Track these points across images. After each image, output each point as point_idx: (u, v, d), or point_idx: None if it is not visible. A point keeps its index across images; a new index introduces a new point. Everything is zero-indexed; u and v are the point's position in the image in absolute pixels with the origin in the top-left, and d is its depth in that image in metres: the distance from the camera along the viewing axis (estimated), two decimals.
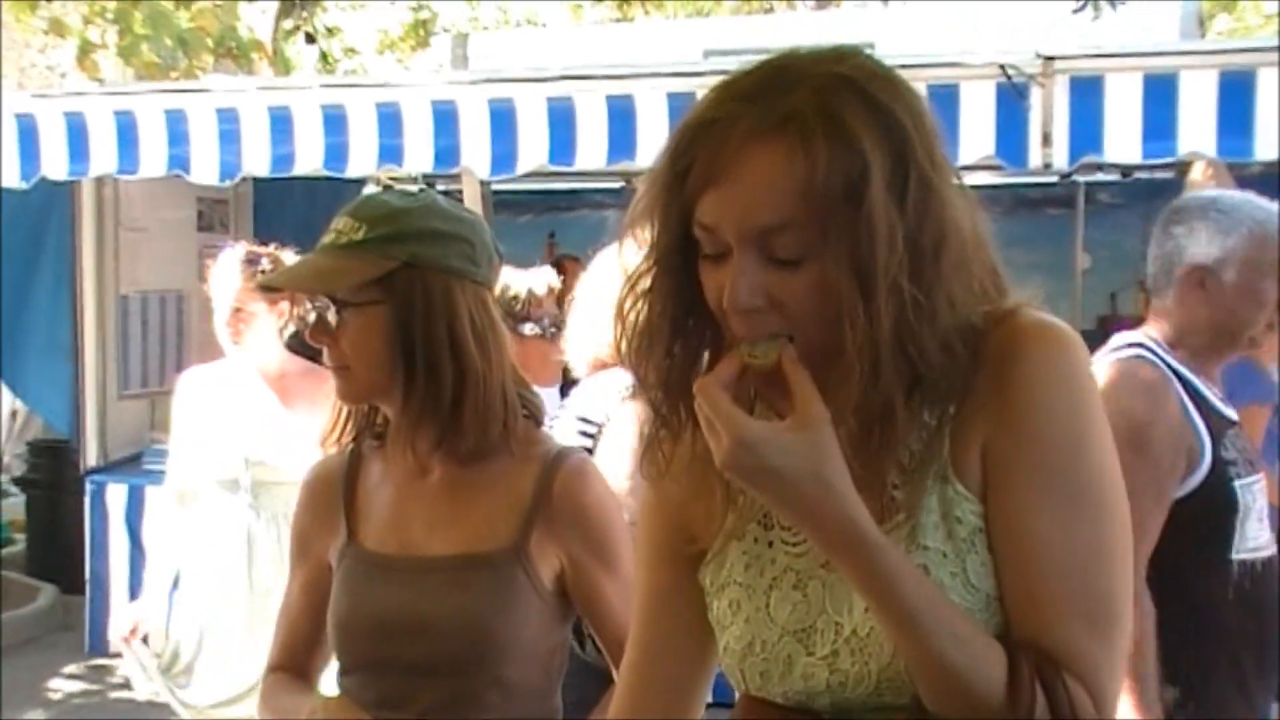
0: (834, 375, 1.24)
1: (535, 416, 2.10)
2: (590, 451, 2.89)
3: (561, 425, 3.03)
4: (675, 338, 1.35)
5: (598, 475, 2.08)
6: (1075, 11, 4.47)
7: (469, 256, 2.00)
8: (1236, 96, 4.63)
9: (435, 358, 1.96)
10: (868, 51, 1.34)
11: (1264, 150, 4.65)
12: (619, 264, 2.87)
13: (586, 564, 2.01)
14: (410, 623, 1.97)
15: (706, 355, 1.35)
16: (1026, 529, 1.24)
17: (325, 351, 2.02)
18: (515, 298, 4.13)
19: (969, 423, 1.28)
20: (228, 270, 3.79)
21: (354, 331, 1.98)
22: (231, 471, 3.77)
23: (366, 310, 1.97)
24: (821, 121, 1.21)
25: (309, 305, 2.03)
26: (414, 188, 6.57)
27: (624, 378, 2.91)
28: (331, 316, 1.99)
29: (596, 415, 2.99)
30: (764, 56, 1.31)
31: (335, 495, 2.11)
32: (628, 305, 1.36)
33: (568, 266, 8.19)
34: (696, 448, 1.34)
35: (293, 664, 2.15)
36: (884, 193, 1.21)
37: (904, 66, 1.40)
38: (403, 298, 1.96)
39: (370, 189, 7.54)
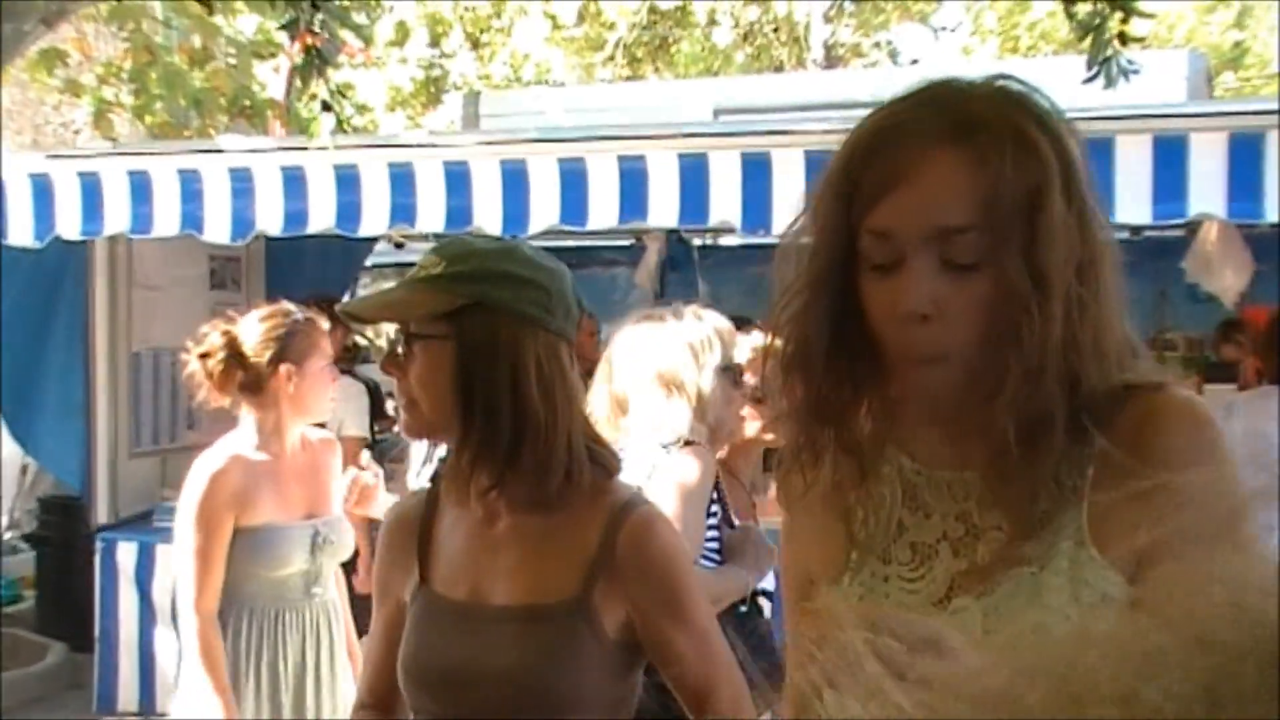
0: (988, 389, 1.25)
1: (608, 468, 2.09)
2: None
3: None
4: (829, 358, 1.34)
5: (666, 526, 2.09)
6: (1085, 81, 4.48)
7: (543, 304, 2.00)
8: (1246, 158, 4.64)
9: (494, 399, 1.97)
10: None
11: (1274, 212, 4.65)
12: (641, 344, 2.89)
13: (655, 616, 2.00)
14: (470, 674, 1.99)
15: (853, 379, 1.35)
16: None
17: (395, 385, 2.06)
18: None
19: (1111, 497, 1.24)
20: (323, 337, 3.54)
21: (420, 365, 2.01)
22: (314, 559, 3.51)
23: (433, 344, 2.00)
24: (1008, 130, 1.23)
25: (390, 337, 2.08)
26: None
27: (651, 440, 2.93)
28: (403, 349, 2.02)
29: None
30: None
31: (411, 536, 2.14)
32: (779, 325, 1.36)
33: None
34: (834, 477, 1.37)
35: (377, 701, 2.19)
36: (1061, 202, 1.23)
37: None
38: (468, 336, 1.98)
39: (383, 247, 7.58)
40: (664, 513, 2.71)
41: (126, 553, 6.50)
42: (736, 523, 3.09)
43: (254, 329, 3.48)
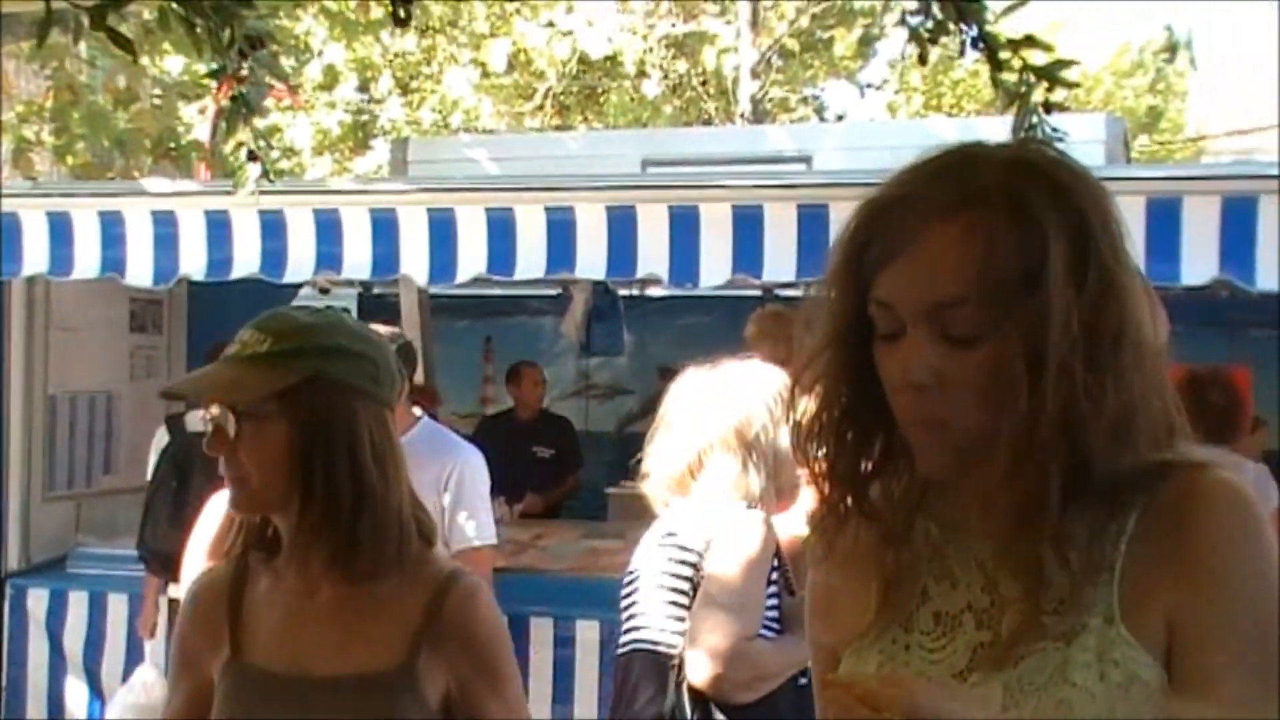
0: (992, 461, 1.25)
1: (428, 537, 2.09)
2: (691, 582, 2.87)
3: (655, 555, 2.97)
4: (846, 424, 1.34)
5: (488, 598, 2.10)
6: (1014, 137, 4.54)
7: (372, 376, 2.00)
8: (1163, 222, 4.71)
9: (333, 475, 1.95)
10: (1045, 144, 1.36)
11: (1190, 276, 4.74)
12: (707, 388, 2.85)
13: (474, 686, 2.02)
14: None
15: (878, 444, 1.35)
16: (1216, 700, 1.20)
17: (221, 462, 2.01)
18: None
19: (1147, 576, 1.24)
20: None
21: (251, 444, 1.97)
22: None
23: (265, 423, 1.96)
24: (1006, 202, 1.22)
25: (207, 414, 2.02)
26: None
27: (716, 502, 2.87)
28: (231, 427, 1.98)
29: (695, 542, 2.92)
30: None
31: (220, 608, 2.08)
32: (800, 390, 1.36)
33: (525, 373, 8.20)
34: (859, 540, 1.36)
35: None
36: (1063, 277, 1.20)
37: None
38: (302, 413, 1.96)
39: (307, 292, 7.53)
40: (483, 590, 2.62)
41: (37, 600, 6.36)
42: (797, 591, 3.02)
43: None
